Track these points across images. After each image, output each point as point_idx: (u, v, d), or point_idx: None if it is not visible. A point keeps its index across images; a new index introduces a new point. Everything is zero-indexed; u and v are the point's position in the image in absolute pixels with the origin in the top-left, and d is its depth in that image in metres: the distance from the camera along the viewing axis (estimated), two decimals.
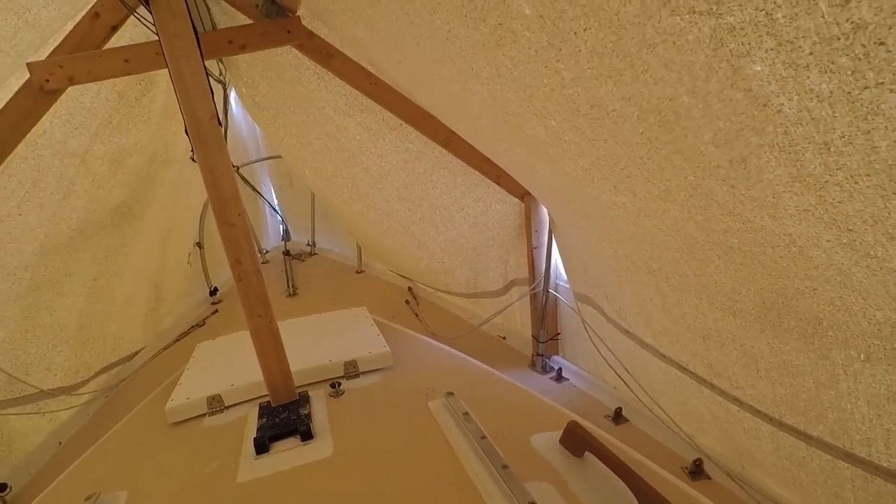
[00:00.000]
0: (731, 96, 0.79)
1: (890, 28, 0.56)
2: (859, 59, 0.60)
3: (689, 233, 1.27)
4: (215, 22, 2.52)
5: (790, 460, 1.47)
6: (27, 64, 1.86)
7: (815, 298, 1.08)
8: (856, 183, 0.76)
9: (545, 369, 2.71)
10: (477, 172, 2.51)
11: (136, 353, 3.44)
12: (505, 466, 1.09)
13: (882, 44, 0.58)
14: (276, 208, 5.60)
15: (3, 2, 1.49)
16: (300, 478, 1.20)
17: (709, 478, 1.85)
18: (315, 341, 1.80)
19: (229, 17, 2.49)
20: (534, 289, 2.63)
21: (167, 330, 3.84)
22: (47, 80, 1.89)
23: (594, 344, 2.28)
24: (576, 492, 1.04)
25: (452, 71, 1.49)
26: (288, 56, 2.41)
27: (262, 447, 1.30)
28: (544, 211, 2.51)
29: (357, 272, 4.69)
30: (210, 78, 1.37)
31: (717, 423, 1.74)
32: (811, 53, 0.64)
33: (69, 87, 2.06)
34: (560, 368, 2.66)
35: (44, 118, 2.07)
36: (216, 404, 1.53)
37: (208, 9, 2.45)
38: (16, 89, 1.89)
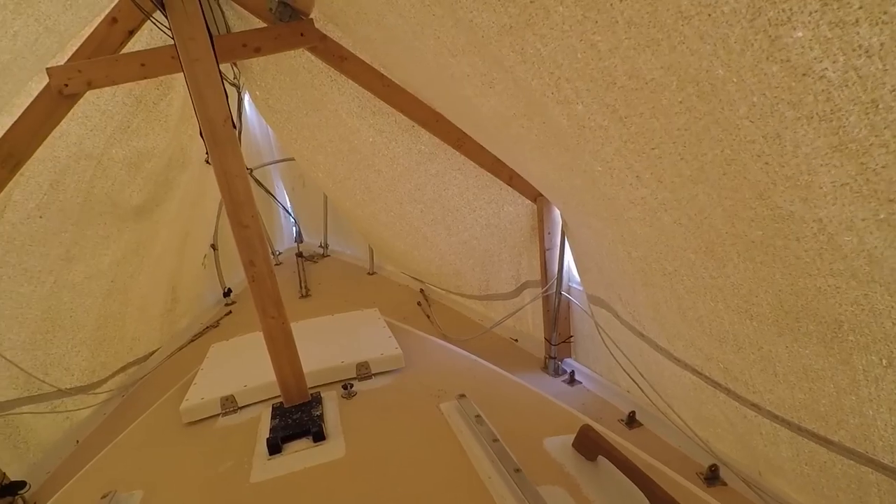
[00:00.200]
0: (766, 69, 0.78)
1: None
2: None
3: (713, 224, 1.24)
4: (229, 25, 2.55)
5: (810, 465, 1.44)
6: (46, 69, 1.89)
7: (837, 298, 1.05)
8: None
9: (557, 372, 2.70)
10: (489, 174, 2.50)
11: (152, 353, 3.48)
12: (517, 470, 1.08)
13: None
14: (289, 210, 5.64)
15: (25, 8, 1.52)
16: (313, 479, 1.20)
17: (725, 484, 1.82)
18: (327, 342, 1.80)
19: (243, 21, 2.52)
20: (546, 291, 2.62)
21: (182, 330, 3.89)
22: (66, 85, 1.93)
23: (607, 347, 2.25)
24: (589, 496, 1.03)
25: (474, 62, 1.47)
26: (301, 59, 2.43)
27: (274, 448, 1.30)
28: (557, 213, 2.49)
29: (369, 274, 4.70)
30: (224, 81, 1.38)
31: (734, 428, 1.71)
32: (861, 7, 0.63)
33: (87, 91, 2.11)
34: (573, 371, 2.64)
35: (62, 122, 2.11)
36: (230, 405, 1.54)
37: (223, 13, 2.48)
38: (35, 94, 1.93)
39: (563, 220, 2.45)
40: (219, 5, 2.42)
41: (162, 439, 1.50)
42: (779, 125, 0.85)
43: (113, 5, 1.99)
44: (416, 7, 1.41)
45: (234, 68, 2.97)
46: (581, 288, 2.50)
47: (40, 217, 2.32)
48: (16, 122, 1.91)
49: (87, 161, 2.46)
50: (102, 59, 1.98)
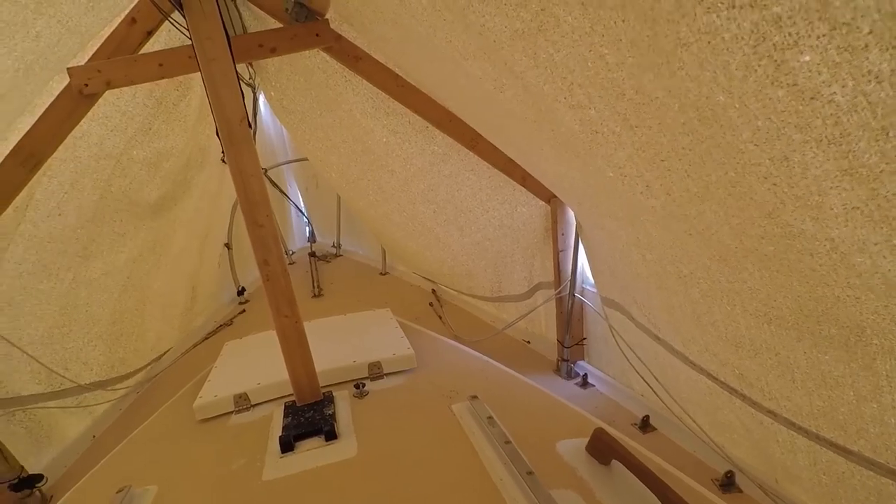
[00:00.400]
0: (770, 94, 0.77)
1: None
2: None
3: (721, 239, 1.23)
4: (246, 26, 2.57)
5: (828, 475, 1.41)
6: (67, 69, 1.93)
7: (857, 307, 1.03)
8: None
9: (570, 375, 2.68)
10: (502, 175, 2.50)
11: (168, 350, 3.53)
12: (530, 473, 1.07)
13: None
14: (303, 210, 5.68)
15: (47, 9, 1.55)
16: (324, 477, 1.20)
17: (740, 491, 1.79)
18: (340, 342, 1.81)
19: (259, 22, 2.54)
20: (559, 293, 2.60)
21: (197, 328, 3.93)
22: (86, 85, 1.96)
23: (621, 350, 2.23)
24: (602, 501, 1.02)
25: (485, 66, 1.47)
26: (316, 59, 2.44)
27: (287, 446, 1.31)
28: (571, 214, 2.47)
29: (381, 274, 4.72)
30: (240, 81, 1.39)
31: (749, 434, 1.68)
32: (870, 32, 0.61)
33: (106, 91, 2.14)
34: (585, 374, 2.61)
35: (83, 122, 2.15)
36: (243, 402, 1.55)
37: (239, 13, 2.51)
38: (56, 93, 1.96)
39: (577, 222, 2.43)
40: (235, 6, 2.44)
41: (176, 436, 1.52)
42: (786, 148, 0.83)
43: (132, 6, 2.02)
44: (427, 10, 1.41)
45: (250, 69, 3.00)
46: (595, 290, 2.47)
47: (59, 215, 2.36)
48: (37, 121, 1.95)
49: (107, 160, 2.50)
50: (121, 60, 2.00)
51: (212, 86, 1.31)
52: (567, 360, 2.67)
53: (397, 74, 2.27)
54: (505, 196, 2.65)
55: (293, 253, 5.72)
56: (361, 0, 1.83)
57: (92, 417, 2.77)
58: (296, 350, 1.49)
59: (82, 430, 2.69)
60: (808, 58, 0.68)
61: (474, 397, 1.41)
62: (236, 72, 1.35)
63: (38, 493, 2.21)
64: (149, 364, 3.29)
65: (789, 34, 0.67)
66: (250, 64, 2.91)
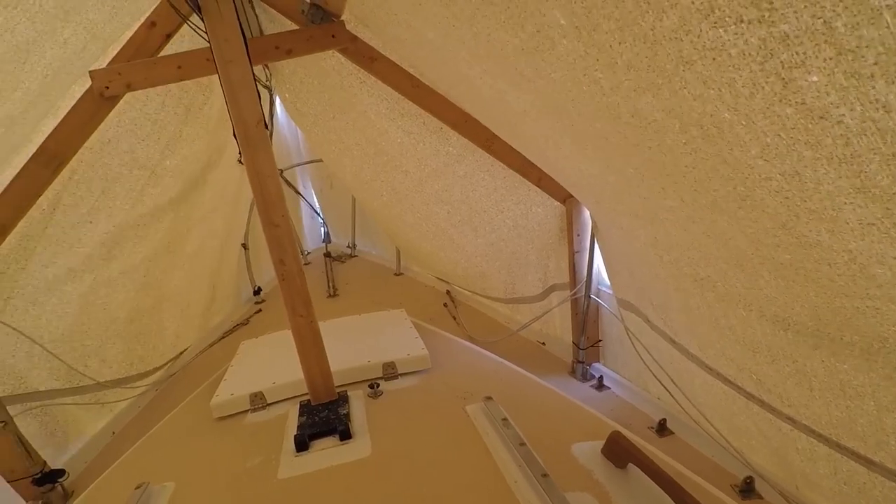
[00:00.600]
0: (779, 111, 0.75)
1: None
2: None
3: (737, 245, 1.21)
4: (262, 28, 2.60)
5: (849, 485, 1.37)
6: (89, 72, 1.96)
7: (878, 319, 1.00)
8: None
9: (585, 377, 2.65)
10: (518, 175, 2.48)
11: (186, 349, 3.58)
12: (545, 475, 1.06)
13: None
14: (318, 211, 5.71)
15: (75, 17, 1.58)
16: (339, 477, 1.21)
17: (760, 497, 1.76)
18: (354, 342, 1.82)
19: (276, 24, 2.56)
20: (575, 294, 2.58)
21: (214, 328, 3.98)
22: (107, 87, 1.99)
23: (638, 352, 2.20)
24: None
25: (497, 69, 1.48)
26: (331, 61, 2.46)
27: (302, 445, 1.32)
28: (587, 214, 2.45)
29: (396, 274, 4.73)
30: (257, 83, 1.41)
31: (768, 441, 1.65)
32: (876, 63, 0.59)
33: (131, 99, 2.18)
34: (601, 376, 2.59)
35: (109, 128, 2.19)
36: (258, 401, 1.56)
37: (256, 16, 2.53)
38: (77, 96, 2.00)
39: (594, 222, 2.41)
40: (252, 8, 2.47)
41: (193, 433, 1.54)
42: (797, 164, 0.82)
43: (152, 10, 2.05)
44: (438, 17, 1.42)
45: (266, 70, 3.03)
46: (610, 291, 2.45)
47: (90, 223, 2.42)
48: (59, 124, 1.99)
49: (141, 171, 2.56)
50: (141, 62, 2.04)
51: (229, 87, 1.33)
52: (582, 362, 2.65)
53: (412, 75, 2.27)
54: (520, 196, 2.63)
55: (309, 253, 5.76)
56: (377, 2, 1.84)
57: (112, 414, 2.83)
58: (311, 350, 1.50)
59: (102, 426, 2.74)
60: (815, 78, 0.66)
61: (489, 398, 1.40)
62: (253, 73, 1.36)
63: (59, 488, 2.25)
64: (167, 362, 3.34)
65: (796, 53, 0.66)
66: (266, 66, 2.94)
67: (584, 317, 2.57)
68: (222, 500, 1.20)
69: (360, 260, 5.39)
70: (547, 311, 2.89)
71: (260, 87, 3.03)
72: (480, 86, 1.74)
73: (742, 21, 0.68)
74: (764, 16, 0.65)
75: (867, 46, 0.58)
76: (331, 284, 4.55)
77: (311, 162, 5.27)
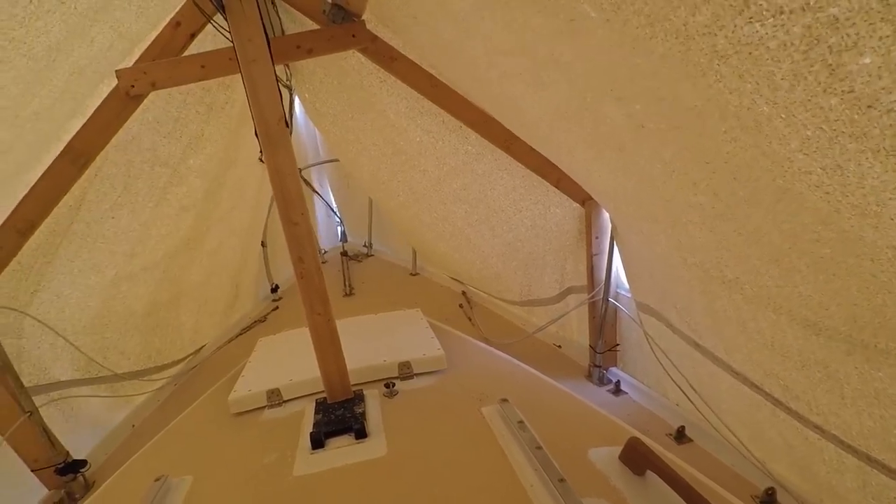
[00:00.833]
0: (822, 104, 0.73)
1: None
2: None
3: (772, 241, 1.17)
4: (284, 28, 2.63)
5: (879, 500, 1.32)
6: (116, 71, 2.00)
7: None
8: None
9: (602, 381, 2.62)
10: (536, 176, 2.47)
11: (204, 345, 3.63)
12: (561, 480, 1.05)
13: None
14: (335, 210, 5.75)
15: (103, 16, 1.62)
16: (354, 475, 1.21)
17: None
18: (370, 341, 1.82)
19: (297, 24, 2.59)
20: (592, 297, 2.55)
21: (233, 324, 4.03)
22: (132, 86, 2.03)
23: (657, 357, 2.17)
24: None
25: (524, 62, 1.46)
26: (351, 60, 2.47)
27: (317, 443, 1.32)
28: (606, 216, 2.42)
29: (412, 274, 4.73)
30: (278, 83, 1.42)
31: (793, 450, 1.60)
32: None
33: (154, 97, 2.22)
34: (618, 381, 2.55)
35: (132, 125, 2.23)
36: (275, 398, 1.58)
37: (278, 16, 2.56)
38: (103, 96, 2.04)
39: (613, 225, 2.38)
40: (275, 8, 2.49)
41: (211, 428, 1.56)
42: (840, 157, 0.79)
43: (177, 10, 2.08)
44: (465, 11, 1.41)
45: (287, 70, 3.06)
46: (629, 295, 2.42)
47: (112, 218, 2.47)
48: (86, 122, 2.03)
49: (163, 168, 2.60)
50: (166, 61, 2.07)
51: (251, 86, 1.34)
52: (599, 367, 2.62)
53: (431, 75, 2.27)
54: (538, 196, 2.62)
55: (326, 252, 5.81)
56: (398, 2, 1.84)
57: (132, 407, 2.88)
58: (328, 348, 1.51)
59: (122, 419, 2.80)
60: (868, 60, 0.64)
61: (504, 401, 1.39)
62: (275, 73, 1.38)
63: (81, 478, 2.30)
64: (186, 357, 3.40)
65: (847, 35, 0.63)
66: (287, 65, 2.97)
67: (602, 320, 2.54)
68: (239, 495, 1.21)
69: (376, 259, 5.42)
70: (564, 313, 2.86)
71: (280, 87, 3.06)
72: (501, 84, 1.73)
73: (782, 12, 0.66)
74: (809, 2, 0.63)
75: None
76: (347, 283, 4.58)
77: (329, 161, 5.30)
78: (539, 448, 1.16)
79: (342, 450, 1.31)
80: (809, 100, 0.74)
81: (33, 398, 2.21)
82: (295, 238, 1.43)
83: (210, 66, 2.08)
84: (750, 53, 0.75)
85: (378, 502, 1.12)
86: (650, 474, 1.06)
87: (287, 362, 1.76)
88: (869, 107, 0.68)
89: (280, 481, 1.22)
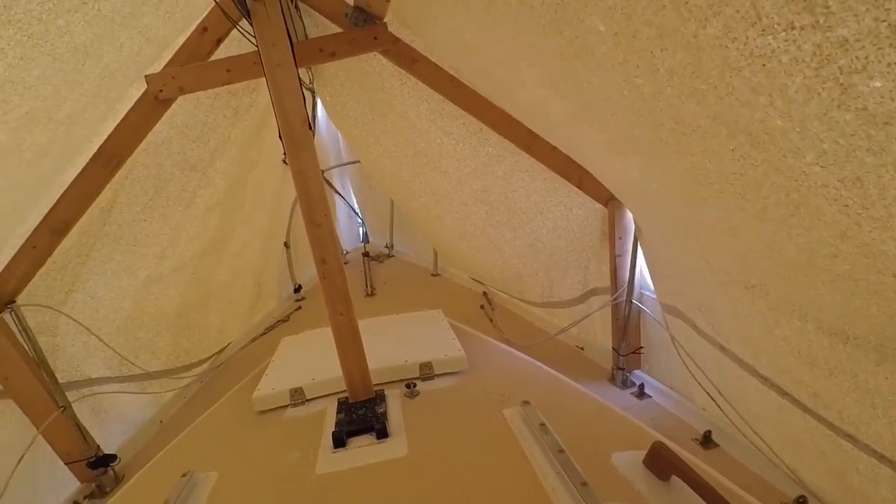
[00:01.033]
0: (837, 118, 0.71)
1: None
2: None
3: (788, 256, 1.14)
4: (307, 32, 2.66)
5: None
6: (145, 76, 2.06)
7: None
8: None
9: (626, 384, 2.58)
10: (558, 178, 2.45)
11: (229, 343, 3.70)
12: (584, 484, 1.03)
13: None
14: (357, 211, 5.80)
15: (132, 21, 1.66)
16: (375, 475, 1.22)
17: None
18: (392, 341, 1.83)
19: (320, 28, 2.62)
20: (616, 298, 2.52)
21: (256, 323, 4.10)
22: (161, 91, 2.09)
23: (682, 360, 2.13)
24: None
25: (537, 74, 1.46)
26: (372, 63, 2.49)
27: (339, 442, 1.33)
28: (629, 217, 2.39)
29: (433, 275, 4.74)
30: (301, 86, 1.44)
31: (825, 458, 1.55)
32: None
33: (182, 101, 2.28)
34: (642, 384, 2.51)
35: (162, 129, 2.29)
36: (298, 397, 1.60)
37: (301, 20, 2.59)
38: (132, 100, 2.10)
39: (637, 225, 2.34)
40: (298, 12, 2.53)
41: (235, 426, 1.58)
42: (858, 170, 0.77)
43: (203, 15, 2.13)
44: (478, 22, 1.41)
45: (310, 73, 3.09)
46: (654, 296, 2.37)
47: (144, 221, 2.54)
48: (117, 125, 2.09)
49: (192, 173, 2.67)
50: (193, 66, 2.12)
51: (276, 90, 1.36)
52: (623, 369, 2.58)
53: (453, 76, 2.28)
54: (560, 198, 2.59)
55: (347, 253, 5.86)
56: (419, 4, 1.85)
57: (159, 404, 2.96)
58: (350, 347, 1.52)
59: (151, 415, 2.87)
60: (878, 84, 0.62)
61: (526, 403, 1.38)
62: (298, 76, 1.39)
63: (111, 472, 2.37)
64: (212, 356, 3.47)
65: (856, 58, 0.62)
66: (309, 69, 3.00)
67: (626, 322, 2.50)
68: (263, 493, 1.23)
69: (397, 260, 5.44)
70: (586, 315, 2.83)
71: (303, 90, 3.10)
72: (520, 89, 1.73)
73: (793, 28, 0.65)
74: (819, 21, 0.62)
75: None
76: (368, 284, 4.61)
77: (350, 163, 5.35)
78: (561, 451, 1.15)
79: (363, 449, 1.32)
80: (825, 114, 0.72)
81: (66, 394, 2.28)
82: (318, 239, 1.44)
83: (235, 70, 2.12)
84: (763, 65, 0.73)
85: (399, 502, 1.13)
86: (675, 480, 1.04)
87: (310, 362, 1.77)
88: (886, 123, 0.66)
89: (303, 479, 1.24)
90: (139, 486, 1.36)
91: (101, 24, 1.49)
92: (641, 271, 2.44)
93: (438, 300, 3.98)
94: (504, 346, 1.91)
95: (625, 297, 2.47)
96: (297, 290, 4.75)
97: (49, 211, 2.07)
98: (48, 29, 1.29)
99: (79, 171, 2.08)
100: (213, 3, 1.94)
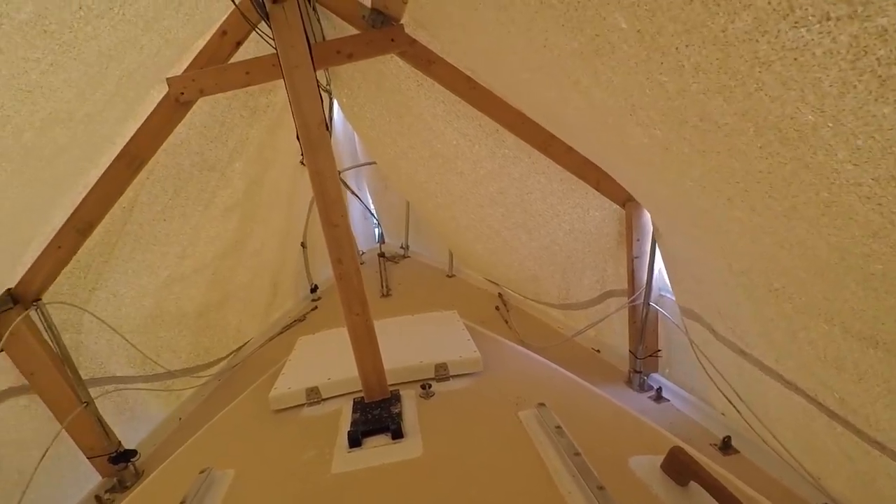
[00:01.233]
0: (874, 111, 0.69)
1: None
2: None
3: (818, 255, 1.12)
4: (325, 34, 2.68)
5: None
6: (167, 79, 2.10)
7: None
8: None
9: (643, 387, 2.55)
10: (575, 177, 2.43)
11: (247, 342, 3.75)
12: (601, 487, 1.02)
13: None
14: (373, 212, 5.83)
15: (150, 24, 1.69)
16: (390, 475, 1.22)
17: None
18: (407, 342, 1.83)
19: (337, 30, 2.64)
20: (633, 301, 2.49)
21: (273, 323, 4.15)
22: (182, 93, 2.12)
23: (701, 364, 2.09)
24: None
25: (549, 80, 1.46)
26: (389, 65, 2.50)
27: (355, 441, 1.34)
28: (647, 218, 2.36)
29: (448, 276, 4.74)
30: (319, 88, 1.45)
31: (852, 464, 1.51)
32: None
33: (200, 102, 2.31)
34: (659, 388, 2.48)
35: (181, 130, 2.33)
36: (314, 396, 1.61)
37: (319, 22, 2.61)
38: (153, 102, 2.14)
39: (655, 227, 2.31)
40: (316, 14, 2.55)
41: (252, 424, 1.60)
42: (894, 168, 0.74)
43: (224, 19, 2.16)
44: (493, 23, 1.41)
45: (327, 74, 3.12)
46: (673, 299, 2.34)
47: (164, 220, 2.58)
48: (140, 127, 2.13)
49: (211, 173, 2.71)
50: (213, 69, 2.15)
51: (294, 92, 1.37)
52: (640, 372, 2.55)
53: (469, 77, 2.27)
54: (577, 200, 2.57)
55: (363, 253, 5.89)
56: (435, 6, 1.85)
57: (178, 401, 3.00)
58: (366, 348, 1.53)
59: (170, 412, 2.92)
60: None
61: (542, 405, 1.37)
62: (316, 78, 1.41)
63: (132, 467, 2.41)
64: (230, 354, 3.51)
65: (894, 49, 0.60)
66: (327, 70, 3.03)
67: (643, 325, 2.47)
68: (279, 490, 1.24)
69: (412, 261, 5.45)
70: (604, 317, 2.80)
71: (321, 91, 3.12)
72: (536, 90, 1.72)
73: (828, 19, 0.63)
74: (856, 11, 0.60)
75: None
76: (384, 284, 4.63)
77: (366, 164, 5.38)
78: (577, 454, 1.14)
79: (379, 449, 1.32)
80: (860, 108, 0.70)
81: (89, 390, 2.33)
82: (335, 240, 1.45)
83: (254, 72, 2.15)
84: (795, 59, 0.72)
85: (414, 503, 1.13)
86: (694, 485, 1.03)
87: (325, 361, 1.79)
88: None
89: (319, 478, 1.24)
90: (159, 481, 1.39)
91: (125, 28, 1.52)
92: (660, 273, 2.41)
93: (453, 301, 3.98)
94: (519, 347, 1.90)
95: (642, 300, 2.44)
96: (314, 290, 4.79)
97: (74, 211, 2.12)
98: (77, 36, 1.33)
99: (101, 171, 2.12)
100: (233, 6, 1.96)
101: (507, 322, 3.56)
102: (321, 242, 1.48)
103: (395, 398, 1.53)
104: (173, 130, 2.25)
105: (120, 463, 2.35)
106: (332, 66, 2.63)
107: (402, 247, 5.62)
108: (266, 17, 1.39)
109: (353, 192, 5.59)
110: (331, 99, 3.71)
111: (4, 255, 1.95)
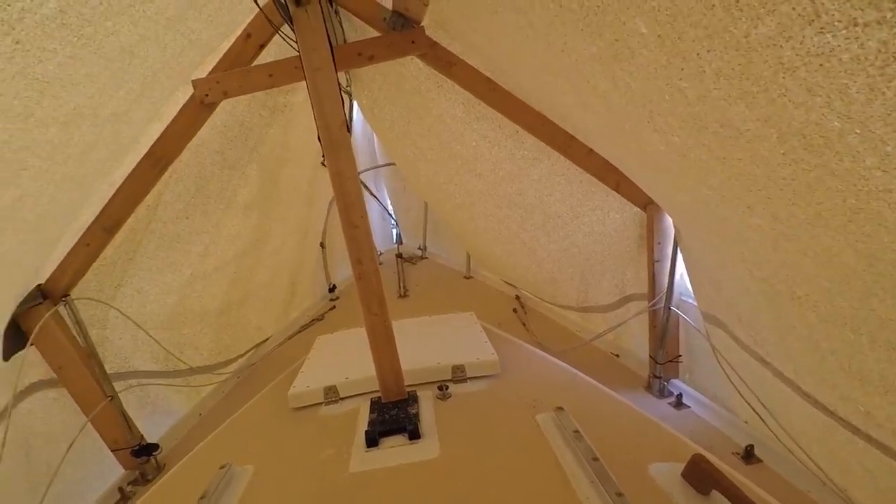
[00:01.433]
0: None
1: None
2: None
3: (845, 262, 1.08)
4: (346, 37, 2.71)
5: None
6: (192, 81, 2.14)
7: None
8: None
9: (663, 393, 2.51)
10: (594, 180, 2.40)
11: (266, 340, 3.80)
12: (619, 494, 1.01)
13: None
14: (391, 213, 5.86)
15: (173, 24, 1.72)
16: (407, 475, 1.22)
17: None
18: (424, 343, 1.83)
19: (358, 32, 2.66)
20: (654, 305, 2.45)
21: (292, 321, 4.20)
22: (206, 95, 2.16)
23: (724, 370, 2.05)
24: None
25: (568, 84, 1.45)
26: (409, 66, 2.51)
27: (372, 441, 1.34)
28: (669, 221, 2.32)
29: (465, 277, 4.74)
30: (339, 89, 1.46)
31: (874, 479, 1.46)
32: None
33: (222, 102, 2.35)
34: (680, 394, 2.44)
35: (203, 130, 2.37)
36: (332, 395, 1.62)
37: (341, 25, 2.64)
38: (178, 103, 2.19)
39: (677, 230, 2.27)
40: (338, 17, 2.57)
41: (271, 421, 1.62)
42: None
43: (248, 21, 2.20)
44: (512, 26, 1.41)
45: (347, 76, 3.15)
46: (694, 303, 2.30)
47: (186, 218, 2.63)
48: (166, 128, 2.18)
49: (231, 171, 2.76)
50: (237, 71, 2.19)
51: (315, 93, 1.39)
52: (660, 378, 2.51)
53: (489, 79, 2.27)
54: (597, 202, 2.55)
55: (381, 254, 5.92)
56: (456, 8, 1.85)
57: (199, 397, 3.06)
58: (384, 348, 1.53)
59: (191, 408, 2.97)
60: None
61: (560, 409, 1.36)
62: (338, 80, 1.42)
63: (154, 461, 2.46)
64: (249, 351, 3.56)
65: None
66: (347, 72, 3.05)
67: (664, 330, 2.43)
68: (298, 488, 1.25)
69: (430, 262, 5.46)
70: (623, 321, 2.77)
71: (341, 93, 3.14)
72: (555, 93, 1.71)
73: (856, 24, 0.62)
74: (886, 17, 0.59)
75: None
76: (402, 285, 4.64)
77: (385, 165, 5.41)
78: (596, 460, 1.13)
79: (396, 449, 1.33)
80: (889, 114, 0.68)
81: (114, 384, 2.39)
82: (354, 240, 1.46)
83: (277, 74, 2.18)
84: (821, 65, 0.70)
85: (431, 503, 1.13)
86: (716, 494, 1.01)
87: (344, 360, 1.80)
88: None
89: (336, 477, 1.25)
90: (179, 475, 1.41)
91: (145, 26, 1.54)
92: (682, 277, 2.37)
93: (471, 303, 3.97)
94: (537, 350, 1.89)
95: (663, 304, 2.40)
96: (332, 289, 4.83)
97: (102, 210, 2.17)
98: (97, 30, 1.35)
99: (128, 171, 2.17)
100: (258, 9, 1.99)
101: (524, 325, 3.55)
102: (339, 243, 1.49)
103: (413, 399, 1.54)
104: (198, 132, 2.29)
105: (142, 456, 2.40)
106: (353, 68, 2.65)
107: (419, 248, 5.64)
108: (289, 19, 1.40)
109: (371, 193, 5.62)
110: (351, 100, 3.74)
111: (35, 252, 2.00)
